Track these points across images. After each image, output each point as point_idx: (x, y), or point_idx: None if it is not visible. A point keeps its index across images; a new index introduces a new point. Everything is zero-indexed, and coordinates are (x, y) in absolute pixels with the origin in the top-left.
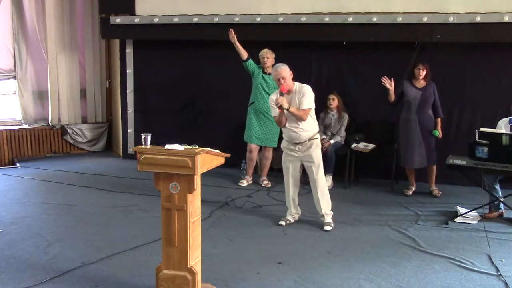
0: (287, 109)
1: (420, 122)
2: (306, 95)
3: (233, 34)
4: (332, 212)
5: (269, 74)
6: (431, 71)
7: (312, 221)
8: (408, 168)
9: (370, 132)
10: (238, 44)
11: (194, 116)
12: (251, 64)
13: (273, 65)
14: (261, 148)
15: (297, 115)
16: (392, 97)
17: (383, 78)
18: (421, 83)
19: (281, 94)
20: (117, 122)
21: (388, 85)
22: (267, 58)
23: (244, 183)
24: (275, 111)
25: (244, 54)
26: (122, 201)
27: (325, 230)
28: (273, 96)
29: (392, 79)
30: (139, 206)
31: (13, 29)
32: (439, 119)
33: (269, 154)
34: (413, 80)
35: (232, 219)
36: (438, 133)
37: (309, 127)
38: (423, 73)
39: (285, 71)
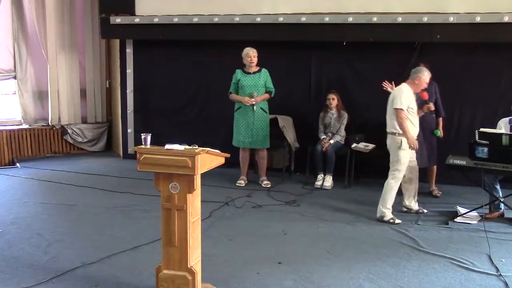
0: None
1: (422, 122)
2: None
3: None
4: (385, 211)
5: (253, 73)
6: (432, 70)
7: (312, 221)
8: None
9: (370, 132)
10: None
11: (194, 116)
12: (233, 84)
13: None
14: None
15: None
16: None
17: (383, 82)
18: None
19: (426, 103)
20: (117, 122)
21: (389, 89)
22: (254, 57)
23: (242, 183)
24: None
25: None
26: (122, 201)
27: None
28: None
29: (392, 82)
30: (139, 206)
31: (13, 29)
32: (440, 119)
33: (263, 153)
34: None
35: (232, 219)
36: (440, 132)
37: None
38: None
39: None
